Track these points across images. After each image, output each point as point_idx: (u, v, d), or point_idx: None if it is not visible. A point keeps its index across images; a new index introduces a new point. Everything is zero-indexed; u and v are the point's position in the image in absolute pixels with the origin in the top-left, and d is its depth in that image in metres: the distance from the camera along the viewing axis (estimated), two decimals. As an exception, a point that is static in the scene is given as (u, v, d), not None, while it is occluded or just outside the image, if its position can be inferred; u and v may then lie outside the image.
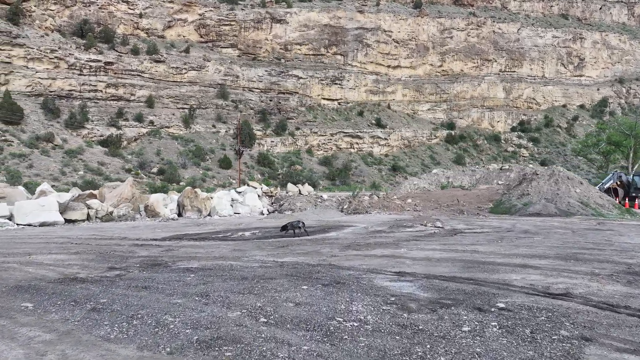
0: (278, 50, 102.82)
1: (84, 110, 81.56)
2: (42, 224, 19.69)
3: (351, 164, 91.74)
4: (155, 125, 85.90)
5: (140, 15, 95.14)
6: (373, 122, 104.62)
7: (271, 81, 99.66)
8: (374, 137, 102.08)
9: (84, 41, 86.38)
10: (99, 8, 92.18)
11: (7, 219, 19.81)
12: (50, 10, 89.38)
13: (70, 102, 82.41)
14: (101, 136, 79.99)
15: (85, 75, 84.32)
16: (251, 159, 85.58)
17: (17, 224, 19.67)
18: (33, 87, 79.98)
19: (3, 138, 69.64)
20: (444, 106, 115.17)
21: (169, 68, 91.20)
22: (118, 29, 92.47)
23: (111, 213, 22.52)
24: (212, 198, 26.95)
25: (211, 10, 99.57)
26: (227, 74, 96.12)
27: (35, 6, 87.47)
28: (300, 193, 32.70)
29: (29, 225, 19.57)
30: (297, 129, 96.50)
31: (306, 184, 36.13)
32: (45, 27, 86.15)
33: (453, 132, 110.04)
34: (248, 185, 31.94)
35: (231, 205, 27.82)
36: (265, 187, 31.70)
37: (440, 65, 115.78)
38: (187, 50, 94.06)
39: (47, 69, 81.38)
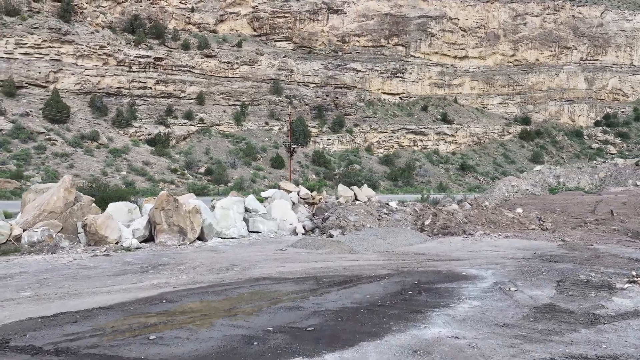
0: (335, 43, 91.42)
1: (133, 108, 73.88)
2: None
3: (415, 163, 79.06)
4: (205, 123, 77.06)
5: (192, 10, 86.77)
6: (438, 117, 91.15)
7: (327, 75, 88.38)
8: (440, 133, 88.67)
9: (134, 37, 78.82)
10: (150, 3, 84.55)
11: None
12: (102, 6, 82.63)
13: (119, 99, 74.93)
14: (149, 135, 71.91)
15: (134, 71, 76.60)
16: (306, 158, 74.87)
17: None
18: (82, 84, 72.97)
19: (47, 137, 62.59)
20: (517, 99, 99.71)
21: (221, 63, 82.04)
22: (169, 24, 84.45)
23: (18, 238, 12.16)
24: (213, 209, 15.99)
25: (265, 3, 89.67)
26: (281, 68, 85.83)
27: (87, 3, 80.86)
28: (356, 199, 21.14)
29: None
30: (356, 125, 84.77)
31: (365, 185, 24.38)
32: (96, 24, 79.24)
33: (528, 128, 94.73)
34: (279, 187, 20.80)
35: (245, 220, 16.73)
36: (304, 191, 20.28)
37: (513, 55, 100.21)
38: (239, 45, 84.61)
39: (96, 65, 74.17)
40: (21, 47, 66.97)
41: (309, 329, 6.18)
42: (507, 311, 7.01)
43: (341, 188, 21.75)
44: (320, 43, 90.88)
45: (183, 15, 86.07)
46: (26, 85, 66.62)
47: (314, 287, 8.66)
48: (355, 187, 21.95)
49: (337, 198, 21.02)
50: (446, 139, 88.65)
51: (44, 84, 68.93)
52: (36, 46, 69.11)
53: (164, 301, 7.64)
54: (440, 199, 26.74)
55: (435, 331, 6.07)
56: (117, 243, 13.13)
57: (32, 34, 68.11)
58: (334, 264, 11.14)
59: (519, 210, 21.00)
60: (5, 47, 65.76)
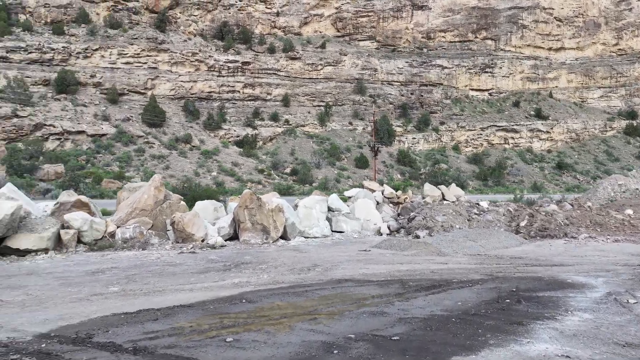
0: (419, 40, 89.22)
1: (222, 111, 76.98)
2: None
3: (506, 162, 75.00)
4: (290, 124, 78.38)
5: (277, 14, 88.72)
6: (532, 113, 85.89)
7: (412, 73, 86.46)
8: (533, 130, 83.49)
9: (223, 43, 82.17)
10: (238, 10, 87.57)
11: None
12: (194, 15, 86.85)
13: (209, 103, 78.35)
14: (237, 136, 74.50)
15: (223, 76, 79.77)
16: (390, 157, 73.69)
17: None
18: (176, 90, 77.13)
19: (146, 140, 66.81)
20: (621, 92, 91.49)
21: (305, 65, 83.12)
22: (256, 29, 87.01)
23: (112, 235, 12.73)
24: (296, 208, 15.84)
25: (348, 3, 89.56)
26: (364, 67, 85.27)
27: (180, 13, 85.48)
28: (444, 198, 20.14)
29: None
30: (442, 123, 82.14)
31: (452, 184, 23.20)
32: (189, 32, 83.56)
33: (634, 123, 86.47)
34: (362, 187, 20.30)
35: (328, 219, 16.42)
36: (388, 190, 19.64)
37: (616, 44, 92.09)
38: (322, 46, 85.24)
39: (189, 72, 78.14)
40: (123, 57, 71.97)
41: (394, 338, 5.63)
42: (628, 327, 6.00)
43: (428, 187, 20.83)
44: (404, 41, 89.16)
45: (269, 19, 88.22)
46: (127, 92, 71.40)
47: (400, 291, 8.07)
48: (442, 187, 20.94)
49: (423, 197, 20.13)
50: (540, 136, 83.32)
51: (142, 91, 73.63)
52: (136, 55, 74.08)
53: (244, 301, 7.44)
54: (535, 199, 24.91)
55: (541, 347, 5.27)
56: (203, 241, 13.36)
57: (132, 44, 73.05)
58: (421, 266, 10.45)
59: (629, 211, 18.91)
60: (109, 58, 71.06)
